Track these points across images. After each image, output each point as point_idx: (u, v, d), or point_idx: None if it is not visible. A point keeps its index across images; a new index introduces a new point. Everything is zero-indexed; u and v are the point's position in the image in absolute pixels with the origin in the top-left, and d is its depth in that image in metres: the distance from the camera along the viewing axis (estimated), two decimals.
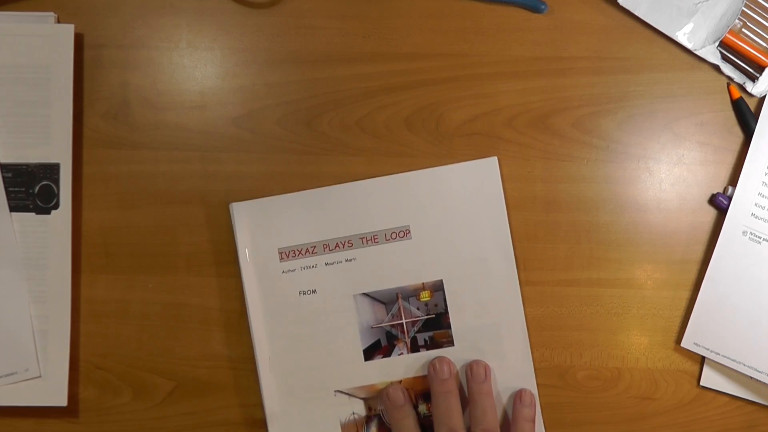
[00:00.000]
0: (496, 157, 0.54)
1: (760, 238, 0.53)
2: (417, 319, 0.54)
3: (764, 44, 0.54)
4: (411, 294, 0.54)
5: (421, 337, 0.54)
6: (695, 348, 0.54)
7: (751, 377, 0.53)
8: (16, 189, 0.52)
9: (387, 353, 0.54)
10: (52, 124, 0.52)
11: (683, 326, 0.54)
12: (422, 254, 0.54)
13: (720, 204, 0.54)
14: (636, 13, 0.54)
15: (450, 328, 0.54)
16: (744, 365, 0.53)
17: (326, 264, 0.54)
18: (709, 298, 0.53)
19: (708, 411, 0.55)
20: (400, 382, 0.54)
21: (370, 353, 0.54)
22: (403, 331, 0.54)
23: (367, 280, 0.54)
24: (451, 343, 0.54)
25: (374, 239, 0.54)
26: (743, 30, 0.54)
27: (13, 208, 0.52)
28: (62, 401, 0.52)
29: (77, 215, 0.54)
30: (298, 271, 0.54)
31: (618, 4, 0.54)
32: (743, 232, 0.53)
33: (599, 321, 0.55)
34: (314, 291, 0.54)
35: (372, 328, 0.54)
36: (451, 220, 0.54)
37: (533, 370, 0.54)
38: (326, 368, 0.54)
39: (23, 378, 0.52)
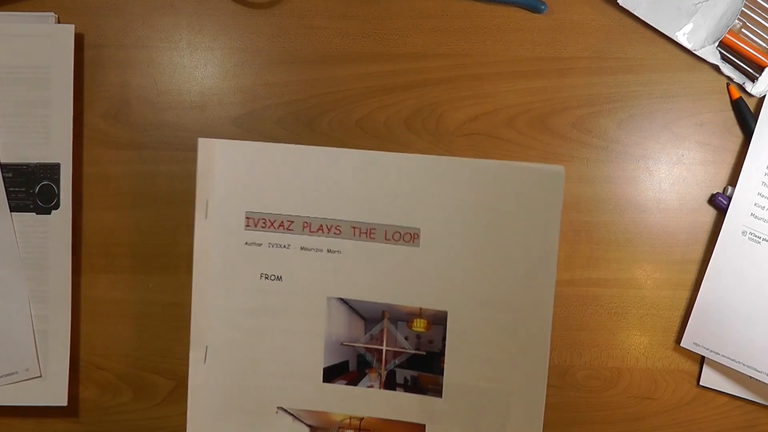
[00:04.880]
0: (563, 167, 0.42)
1: (760, 238, 0.53)
2: (402, 351, 0.42)
3: (764, 44, 0.54)
4: (402, 318, 0.41)
5: (402, 375, 0.42)
6: (695, 348, 0.54)
7: (750, 377, 0.53)
8: (16, 189, 0.52)
9: (354, 381, 0.42)
10: (52, 124, 0.52)
11: (683, 326, 0.54)
12: (429, 270, 0.41)
13: (719, 204, 0.54)
14: (636, 14, 0.54)
15: (442, 374, 0.41)
16: (743, 365, 0.53)
17: (302, 248, 0.41)
18: (708, 298, 0.53)
19: (707, 411, 0.55)
20: (362, 419, 0.42)
21: (332, 374, 0.42)
22: (380, 360, 0.42)
23: (350, 284, 0.41)
24: (438, 393, 0.41)
25: (370, 234, 0.41)
26: (743, 30, 0.54)
27: (13, 208, 0.52)
28: (62, 401, 0.52)
29: (77, 215, 0.54)
30: (265, 248, 0.42)
31: (618, 4, 0.54)
32: (743, 232, 0.53)
33: (599, 321, 0.55)
34: (279, 278, 0.42)
35: (342, 345, 0.42)
36: (477, 235, 0.40)
37: None
38: (273, 378, 0.42)
39: (23, 378, 0.52)
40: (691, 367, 0.55)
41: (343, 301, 0.41)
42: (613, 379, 0.55)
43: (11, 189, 0.52)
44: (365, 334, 0.41)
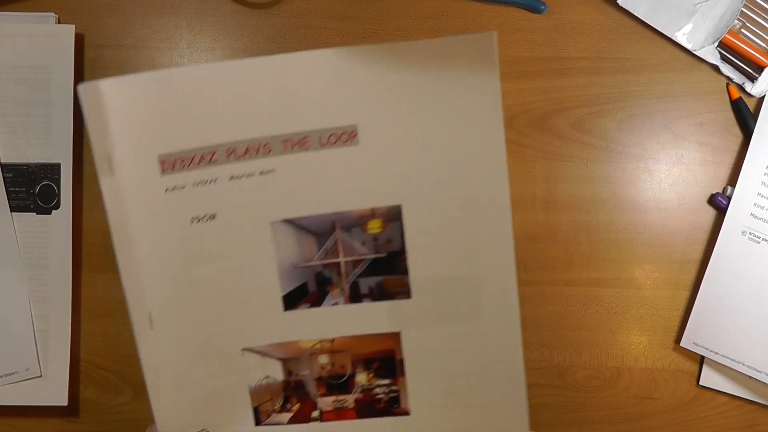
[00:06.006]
0: (495, 33, 0.38)
1: (759, 238, 0.53)
2: (361, 258, 0.39)
3: (763, 44, 0.54)
4: (355, 223, 0.39)
5: (366, 284, 0.39)
6: (694, 348, 0.54)
7: (750, 377, 0.54)
8: (16, 189, 0.52)
9: (316, 302, 0.40)
10: (52, 124, 0.52)
11: (683, 326, 0.54)
12: (374, 167, 0.38)
13: (719, 204, 0.54)
14: (635, 14, 0.54)
15: (407, 274, 0.40)
16: (743, 365, 0.53)
17: (231, 178, 0.38)
18: (708, 298, 0.53)
19: (707, 410, 0.55)
20: (333, 341, 0.40)
21: (292, 301, 0.39)
22: (339, 274, 0.40)
23: (292, 202, 0.39)
24: (406, 294, 0.40)
25: (303, 143, 0.38)
26: (742, 30, 0.54)
27: (13, 208, 0.52)
28: (63, 401, 0.52)
29: (78, 215, 0.54)
30: (189, 189, 0.38)
31: (618, 4, 0.54)
32: (742, 232, 0.53)
33: (598, 321, 0.55)
34: (213, 216, 0.38)
35: (296, 268, 0.39)
36: (418, 119, 0.38)
37: (520, 340, 0.42)
38: (231, 321, 0.40)
39: (24, 377, 0.52)
40: (691, 367, 0.55)
41: (289, 221, 0.38)
42: (613, 379, 0.55)
43: (11, 189, 0.52)
44: (319, 250, 0.39)
